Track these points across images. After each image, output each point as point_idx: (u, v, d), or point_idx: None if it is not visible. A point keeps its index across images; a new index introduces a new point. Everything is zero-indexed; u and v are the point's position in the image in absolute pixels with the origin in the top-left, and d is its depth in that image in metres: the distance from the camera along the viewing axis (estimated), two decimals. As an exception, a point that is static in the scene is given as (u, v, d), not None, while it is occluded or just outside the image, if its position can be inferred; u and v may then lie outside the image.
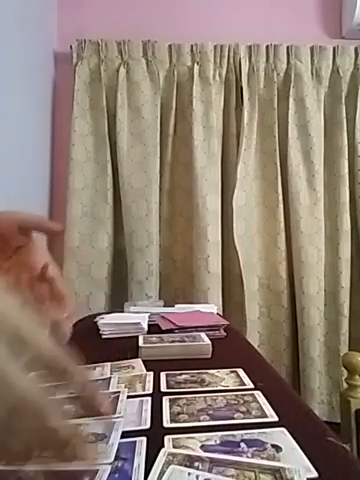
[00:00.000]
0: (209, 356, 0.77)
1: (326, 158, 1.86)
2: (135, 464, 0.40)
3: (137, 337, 0.85)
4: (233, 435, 0.45)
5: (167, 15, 1.93)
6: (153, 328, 0.98)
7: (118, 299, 1.73)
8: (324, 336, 1.79)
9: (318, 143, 1.83)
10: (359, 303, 1.84)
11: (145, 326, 0.97)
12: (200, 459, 0.40)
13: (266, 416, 0.50)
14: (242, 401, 0.55)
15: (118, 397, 0.55)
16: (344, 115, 1.84)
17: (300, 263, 1.77)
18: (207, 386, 0.61)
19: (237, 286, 1.76)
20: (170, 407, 0.54)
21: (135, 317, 1.03)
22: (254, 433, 0.46)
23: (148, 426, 0.48)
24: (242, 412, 0.51)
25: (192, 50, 1.82)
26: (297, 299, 1.78)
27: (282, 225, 1.82)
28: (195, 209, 1.74)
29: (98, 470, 0.38)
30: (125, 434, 0.45)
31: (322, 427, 0.49)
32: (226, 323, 0.98)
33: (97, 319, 1.08)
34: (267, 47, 1.85)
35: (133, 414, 0.51)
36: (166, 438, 0.45)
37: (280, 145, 1.84)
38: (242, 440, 0.44)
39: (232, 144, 1.83)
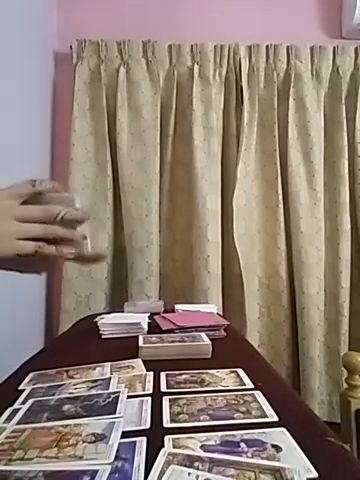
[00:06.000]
0: (209, 356, 0.77)
1: (326, 158, 1.86)
2: (135, 464, 0.40)
3: (137, 337, 0.85)
4: (233, 435, 0.45)
5: (167, 15, 1.93)
6: (153, 328, 0.98)
7: (118, 299, 1.73)
8: (324, 336, 1.79)
9: (318, 143, 1.83)
10: (359, 303, 1.84)
11: (145, 326, 0.97)
12: (200, 459, 0.40)
13: (266, 416, 0.50)
14: (242, 401, 0.55)
15: (118, 397, 0.55)
16: (344, 115, 1.84)
17: (300, 263, 1.77)
18: (207, 386, 0.61)
19: (237, 286, 1.76)
20: (170, 407, 0.54)
21: (135, 317, 1.02)
22: (254, 433, 0.46)
23: (148, 426, 0.48)
24: (242, 412, 0.51)
25: (192, 50, 1.82)
26: (297, 299, 1.78)
27: (282, 225, 1.82)
28: (195, 209, 1.74)
29: (98, 470, 0.38)
30: (125, 434, 0.45)
31: (322, 427, 0.49)
32: (226, 323, 0.98)
33: (97, 319, 1.08)
34: (267, 47, 1.85)
35: (133, 414, 0.51)
36: (166, 438, 0.45)
37: (280, 145, 1.84)
38: (242, 440, 0.44)
39: (232, 144, 1.83)
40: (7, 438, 0.46)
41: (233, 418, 0.50)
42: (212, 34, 1.87)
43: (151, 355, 0.76)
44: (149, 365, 0.71)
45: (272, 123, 1.84)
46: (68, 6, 1.90)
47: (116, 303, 1.73)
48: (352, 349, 1.76)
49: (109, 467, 0.39)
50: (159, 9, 1.93)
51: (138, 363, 0.73)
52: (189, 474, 0.37)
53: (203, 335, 0.84)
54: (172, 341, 0.81)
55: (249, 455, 0.41)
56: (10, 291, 1.36)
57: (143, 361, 0.73)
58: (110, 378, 0.64)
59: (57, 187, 0.54)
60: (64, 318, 1.67)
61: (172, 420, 0.50)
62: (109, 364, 0.72)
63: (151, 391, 0.59)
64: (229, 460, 0.40)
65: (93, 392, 0.59)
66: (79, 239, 0.52)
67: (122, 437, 0.44)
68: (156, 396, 0.57)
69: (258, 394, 0.57)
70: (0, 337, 1.28)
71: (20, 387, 0.65)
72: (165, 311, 1.23)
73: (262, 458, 0.41)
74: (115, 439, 0.44)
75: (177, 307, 1.25)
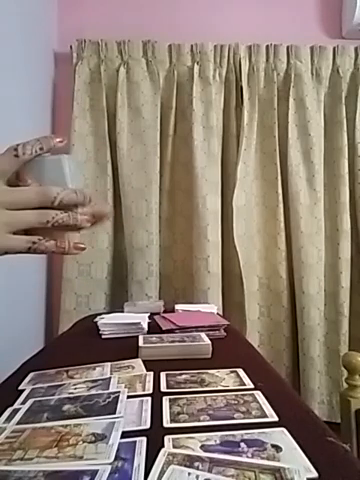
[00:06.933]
0: (209, 356, 0.77)
1: (326, 158, 1.86)
2: (135, 464, 0.40)
3: (137, 337, 0.85)
4: (233, 435, 0.45)
5: (167, 15, 1.93)
6: (153, 328, 0.98)
7: (118, 299, 1.73)
8: (324, 336, 1.79)
9: (318, 143, 1.83)
10: (359, 303, 1.84)
11: (145, 326, 0.97)
12: (200, 459, 0.40)
13: (266, 416, 0.50)
14: (242, 401, 0.55)
15: (118, 397, 0.55)
16: (344, 115, 1.84)
17: (300, 263, 1.77)
18: (207, 386, 0.61)
19: (237, 286, 1.76)
20: (170, 407, 0.53)
21: (135, 317, 1.02)
22: (254, 433, 0.46)
23: (148, 426, 0.48)
24: (242, 412, 0.51)
25: (192, 50, 1.82)
26: (297, 299, 1.78)
27: (282, 225, 1.82)
28: (195, 209, 1.74)
29: (98, 470, 0.38)
30: (125, 434, 0.45)
31: (322, 427, 0.49)
32: (226, 323, 0.98)
33: (97, 319, 1.08)
34: (267, 47, 1.85)
35: (133, 414, 0.51)
36: (166, 438, 0.45)
37: (280, 145, 1.84)
38: (242, 440, 0.44)
39: (232, 144, 1.83)
40: (7, 438, 0.46)
41: (233, 418, 0.50)
42: (212, 34, 1.87)
43: (151, 355, 0.76)
44: (149, 365, 0.71)
45: (272, 123, 1.84)
46: (68, 6, 1.90)
47: (116, 303, 1.73)
48: (352, 349, 1.76)
49: (109, 467, 0.39)
50: (159, 9, 1.93)
51: (138, 363, 0.73)
52: (189, 474, 0.37)
53: (203, 335, 0.84)
54: (172, 341, 0.81)
55: (249, 455, 0.41)
56: (10, 291, 1.36)
57: (143, 361, 0.73)
58: (110, 378, 0.64)
59: (45, 146, 0.43)
60: (64, 318, 1.67)
61: (172, 420, 0.50)
62: (109, 364, 0.72)
63: (151, 391, 0.59)
64: (229, 460, 0.40)
65: (93, 392, 0.59)
66: (83, 223, 0.44)
67: (122, 437, 0.44)
68: (156, 396, 0.57)
69: (258, 394, 0.57)
70: (0, 337, 1.28)
71: (20, 387, 0.65)
72: (165, 311, 1.23)
73: (262, 458, 0.41)
74: (115, 439, 0.44)
75: (177, 307, 1.25)
